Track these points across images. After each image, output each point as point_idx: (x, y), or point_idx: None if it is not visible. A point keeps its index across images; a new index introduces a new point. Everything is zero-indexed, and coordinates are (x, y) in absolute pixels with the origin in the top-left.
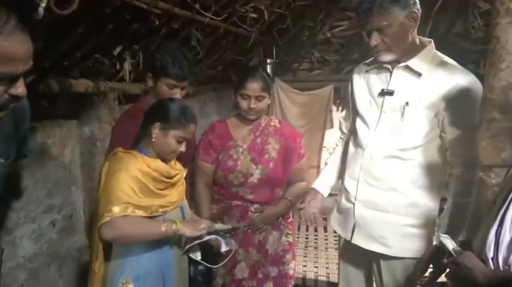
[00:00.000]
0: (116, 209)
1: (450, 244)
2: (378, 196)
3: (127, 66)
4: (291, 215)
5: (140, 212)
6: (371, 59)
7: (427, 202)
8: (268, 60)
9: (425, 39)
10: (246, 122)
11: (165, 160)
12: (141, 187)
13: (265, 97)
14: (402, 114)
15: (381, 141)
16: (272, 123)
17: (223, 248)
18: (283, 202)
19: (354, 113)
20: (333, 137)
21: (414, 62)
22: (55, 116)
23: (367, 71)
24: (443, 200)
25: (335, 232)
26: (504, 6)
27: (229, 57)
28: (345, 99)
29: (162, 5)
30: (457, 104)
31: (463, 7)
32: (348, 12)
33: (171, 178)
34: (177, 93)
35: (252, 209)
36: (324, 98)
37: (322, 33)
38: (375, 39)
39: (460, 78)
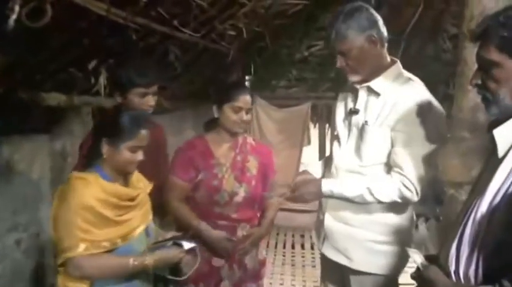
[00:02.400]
0: (73, 249)
1: (418, 258)
2: (345, 210)
3: (102, 80)
4: None
5: (96, 247)
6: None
7: (393, 219)
8: (247, 77)
9: (394, 59)
10: (226, 139)
11: (126, 175)
12: (98, 218)
13: (251, 110)
14: (362, 133)
15: (347, 157)
16: (248, 141)
17: (187, 246)
18: (266, 221)
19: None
20: (310, 154)
21: (376, 82)
22: (25, 130)
23: (345, 93)
24: (418, 216)
25: (312, 249)
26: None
27: (207, 74)
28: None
29: (140, 20)
30: (409, 123)
31: (433, 31)
32: (324, 33)
33: (133, 199)
34: (151, 101)
35: (241, 230)
36: (301, 115)
37: (299, 52)
38: (340, 62)
39: (417, 98)
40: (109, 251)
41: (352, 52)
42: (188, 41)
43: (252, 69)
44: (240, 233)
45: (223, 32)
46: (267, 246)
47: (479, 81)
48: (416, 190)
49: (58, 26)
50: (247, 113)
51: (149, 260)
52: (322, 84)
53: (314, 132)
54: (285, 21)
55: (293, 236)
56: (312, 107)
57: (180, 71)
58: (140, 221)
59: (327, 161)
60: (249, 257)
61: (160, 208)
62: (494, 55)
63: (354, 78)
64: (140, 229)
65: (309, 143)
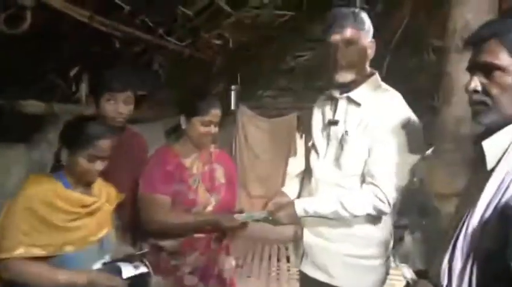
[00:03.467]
0: (10, 250)
1: (408, 273)
2: (324, 225)
3: (83, 87)
4: None
5: (36, 251)
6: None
7: (371, 231)
8: (232, 87)
9: (373, 70)
10: (193, 150)
11: (88, 183)
12: (41, 222)
13: (218, 122)
14: (342, 143)
15: (327, 169)
16: (212, 150)
17: (125, 274)
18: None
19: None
20: (296, 165)
21: (356, 93)
22: (1, 140)
23: (323, 103)
24: (401, 228)
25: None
26: (454, 44)
27: (192, 83)
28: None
29: (124, 29)
30: (385, 133)
31: (417, 43)
32: (311, 43)
33: (86, 206)
34: (121, 108)
35: (214, 243)
36: (288, 125)
37: (286, 62)
38: (340, 53)
39: (395, 108)
40: (55, 257)
41: (357, 45)
42: (173, 49)
43: (238, 79)
44: (216, 244)
45: (209, 41)
46: (252, 259)
47: (479, 88)
48: (388, 201)
49: (38, 33)
50: (216, 125)
51: (82, 280)
52: (309, 94)
53: (300, 143)
54: (271, 32)
55: (278, 249)
56: (298, 117)
57: (164, 80)
58: (93, 230)
59: (306, 174)
60: (227, 269)
61: (137, 227)
62: (504, 59)
63: (345, 77)
64: (93, 239)
65: (295, 154)
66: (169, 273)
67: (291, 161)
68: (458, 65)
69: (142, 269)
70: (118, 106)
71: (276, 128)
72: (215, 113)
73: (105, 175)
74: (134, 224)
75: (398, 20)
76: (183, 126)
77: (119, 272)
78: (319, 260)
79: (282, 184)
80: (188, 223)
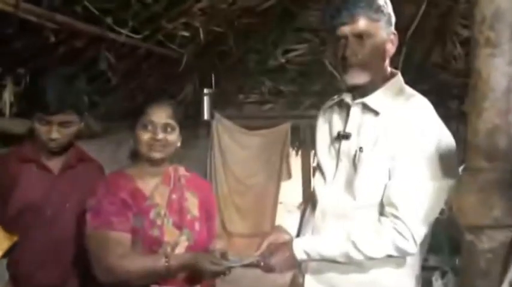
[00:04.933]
0: None
1: None
2: (332, 269)
3: (7, 96)
4: None
5: None
6: (337, 95)
7: (393, 277)
8: (205, 90)
9: (394, 70)
10: (150, 172)
11: None
12: None
13: (175, 129)
14: (355, 163)
15: (335, 197)
16: (181, 173)
17: None
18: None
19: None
20: (290, 191)
21: (373, 98)
22: None
23: (330, 110)
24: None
25: None
26: (483, 35)
27: (152, 86)
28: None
29: (60, 19)
30: (410, 151)
31: (440, 33)
32: (305, 34)
33: None
34: (53, 132)
35: None
36: (278, 139)
37: (274, 58)
38: (351, 48)
39: (422, 120)
40: None
41: (373, 39)
42: (126, 44)
43: (213, 80)
44: None
45: (172, 32)
46: None
47: None
48: (413, 238)
49: None
50: (164, 130)
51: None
52: (304, 99)
53: (296, 162)
54: (253, 19)
55: None
56: (292, 129)
57: (116, 83)
58: None
59: (309, 204)
60: None
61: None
62: None
63: (357, 77)
64: None
65: (289, 176)
66: None
67: (284, 186)
68: (490, 61)
69: None
70: (51, 130)
71: (263, 143)
72: (156, 111)
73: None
74: (82, 275)
75: (415, 5)
76: (131, 142)
77: None
78: None
79: (272, 218)
80: (157, 268)
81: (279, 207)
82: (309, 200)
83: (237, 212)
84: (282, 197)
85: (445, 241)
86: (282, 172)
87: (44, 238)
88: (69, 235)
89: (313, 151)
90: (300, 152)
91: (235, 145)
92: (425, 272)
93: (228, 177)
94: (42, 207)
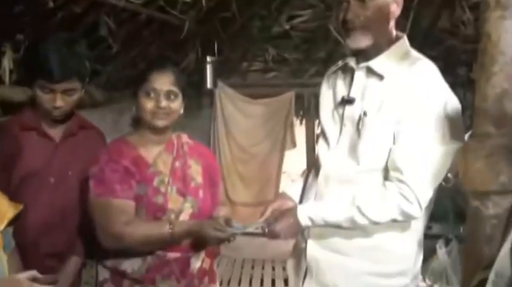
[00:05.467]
0: None
1: None
2: (335, 235)
3: (6, 63)
4: None
5: None
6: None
7: (397, 242)
8: (208, 59)
9: (400, 34)
10: (153, 140)
11: None
12: None
13: (178, 96)
14: (359, 128)
15: (339, 162)
16: (184, 140)
17: None
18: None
19: (319, 129)
20: (294, 160)
21: (377, 62)
22: None
23: (334, 75)
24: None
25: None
26: None
27: (154, 53)
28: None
29: None
30: (415, 115)
31: None
32: (310, 0)
33: None
34: (58, 101)
35: (196, 262)
36: (282, 108)
37: (278, 24)
38: (353, 12)
39: (428, 84)
40: None
41: (375, 0)
42: (126, 9)
43: (215, 48)
44: (196, 265)
45: None
46: (239, 283)
47: None
48: (418, 201)
49: None
50: (167, 97)
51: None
52: (309, 67)
53: (300, 130)
54: None
55: (273, 269)
56: (296, 97)
57: (116, 50)
58: None
59: (312, 171)
60: None
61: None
62: None
63: (360, 40)
64: None
65: (293, 145)
66: None
67: (288, 156)
68: (500, 24)
69: None
70: (55, 98)
71: (267, 112)
72: (159, 77)
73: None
74: (87, 242)
75: None
76: (134, 110)
77: None
78: (327, 279)
79: (276, 187)
80: (161, 235)
81: (283, 176)
82: (313, 166)
83: (241, 181)
84: (285, 166)
85: (450, 209)
86: (285, 141)
87: (48, 206)
88: (73, 202)
89: (317, 120)
90: (304, 121)
91: (238, 114)
92: (429, 240)
93: (232, 146)
94: (44, 175)
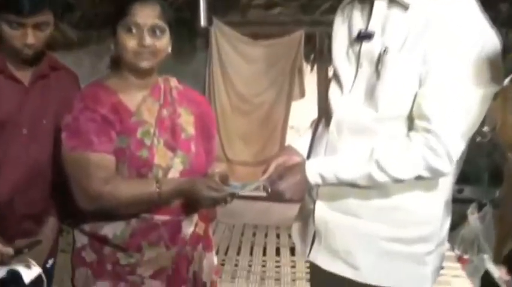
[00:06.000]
0: None
1: (494, 270)
2: (348, 194)
3: None
4: None
5: None
6: None
7: (422, 204)
8: None
9: None
10: (135, 84)
11: None
12: None
13: (164, 31)
14: (378, 67)
15: (354, 109)
16: (173, 85)
17: (27, 278)
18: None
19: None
20: (303, 112)
21: None
22: None
23: (350, 7)
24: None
25: (308, 256)
26: None
27: None
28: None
29: None
30: (447, 53)
31: None
32: None
33: None
34: (29, 36)
35: (189, 226)
36: (289, 50)
37: None
38: None
39: (461, 16)
40: None
41: None
42: None
43: None
44: (188, 230)
45: None
46: (238, 252)
47: None
48: (448, 155)
49: None
50: (152, 34)
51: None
52: (321, 1)
53: (310, 78)
54: None
55: (277, 236)
56: (305, 37)
57: None
58: None
59: (323, 120)
60: (207, 269)
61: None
62: None
63: None
64: None
65: (301, 95)
66: (118, 278)
67: (296, 107)
68: None
69: (36, 270)
70: (26, 34)
71: (271, 55)
72: (142, 10)
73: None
74: (64, 202)
75: None
76: (112, 48)
77: (18, 278)
78: (338, 245)
79: (281, 144)
80: (147, 194)
81: (289, 132)
82: (323, 114)
83: (240, 137)
84: (292, 120)
85: (485, 169)
86: (293, 90)
87: (22, 160)
88: (49, 155)
89: (330, 66)
90: (315, 66)
91: (237, 57)
92: (460, 205)
93: (230, 95)
94: (16, 125)
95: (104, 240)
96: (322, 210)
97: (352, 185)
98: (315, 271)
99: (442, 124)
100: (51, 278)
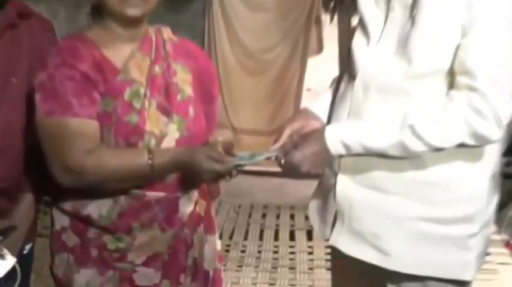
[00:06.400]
0: None
1: None
2: (374, 166)
3: None
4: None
5: None
6: None
7: (463, 178)
8: None
9: None
10: (125, 36)
11: None
12: None
13: None
14: (411, 16)
15: (383, 63)
16: (166, 37)
17: (2, 270)
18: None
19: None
20: (320, 71)
21: None
22: None
23: None
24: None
25: (328, 240)
26: None
27: None
28: None
29: None
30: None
31: None
32: None
33: None
34: None
35: (187, 204)
36: None
37: None
38: None
39: None
40: None
41: None
42: None
43: None
44: (186, 209)
45: None
46: (246, 237)
47: None
48: (496, 118)
49: None
50: None
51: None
52: None
53: (330, 30)
54: None
55: (292, 218)
56: None
57: None
58: None
59: (345, 78)
60: (209, 255)
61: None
62: None
63: None
64: None
65: (319, 50)
66: (105, 265)
67: (313, 65)
68: None
69: (11, 260)
70: None
71: (283, 3)
72: None
73: None
74: (37, 176)
75: None
76: None
77: None
78: (363, 226)
79: (296, 109)
80: (137, 167)
81: (306, 94)
82: (345, 71)
83: (247, 101)
84: (309, 80)
85: None
86: (309, 44)
87: None
88: (20, 121)
89: (353, 17)
90: (335, 16)
91: (243, 6)
92: (509, 180)
93: (236, 51)
94: None
95: (87, 221)
96: (345, 185)
97: (381, 155)
98: (337, 258)
99: (490, 81)
100: (29, 266)
